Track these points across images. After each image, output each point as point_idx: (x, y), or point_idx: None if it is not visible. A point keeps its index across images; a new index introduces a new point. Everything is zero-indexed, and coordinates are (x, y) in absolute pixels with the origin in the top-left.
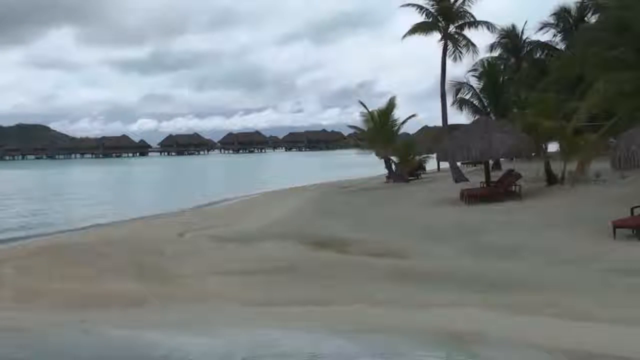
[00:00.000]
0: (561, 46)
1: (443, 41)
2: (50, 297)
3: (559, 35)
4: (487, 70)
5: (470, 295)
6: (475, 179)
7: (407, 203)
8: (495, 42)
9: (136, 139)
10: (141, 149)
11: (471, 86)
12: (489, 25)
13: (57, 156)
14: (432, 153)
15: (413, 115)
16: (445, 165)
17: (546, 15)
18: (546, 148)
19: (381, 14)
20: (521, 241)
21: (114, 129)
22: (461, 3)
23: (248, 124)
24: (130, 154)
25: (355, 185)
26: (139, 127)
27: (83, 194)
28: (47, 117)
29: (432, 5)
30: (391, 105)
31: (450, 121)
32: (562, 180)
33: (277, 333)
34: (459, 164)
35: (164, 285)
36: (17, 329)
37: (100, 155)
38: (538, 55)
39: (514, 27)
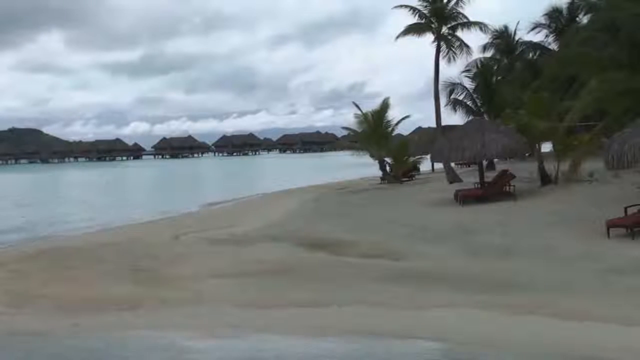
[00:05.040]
0: (553, 46)
1: (436, 42)
2: (45, 301)
3: (551, 35)
4: (481, 71)
5: (467, 296)
6: (469, 179)
7: (402, 204)
8: (488, 43)
9: (129, 142)
10: (135, 152)
11: (465, 87)
12: (481, 26)
13: (50, 160)
14: (426, 154)
15: (407, 116)
16: (439, 166)
17: (538, 16)
18: (540, 148)
19: (372, 16)
20: (516, 241)
21: (107, 132)
22: (454, 4)
23: (242, 126)
24: (125, 157)
25: (350, 187)
26: (133, 130)
27: (78, 197)
28: (39, 120)
29: (425, 6)
30: (385, 106)
31: (444, 122)
32: (556, 180)
33: (275, 335)
34: (452, 164)
35: (160, 288)
36: (10, 333)
37: (94, 159)
38: (531, 55)
39: (506, 27)
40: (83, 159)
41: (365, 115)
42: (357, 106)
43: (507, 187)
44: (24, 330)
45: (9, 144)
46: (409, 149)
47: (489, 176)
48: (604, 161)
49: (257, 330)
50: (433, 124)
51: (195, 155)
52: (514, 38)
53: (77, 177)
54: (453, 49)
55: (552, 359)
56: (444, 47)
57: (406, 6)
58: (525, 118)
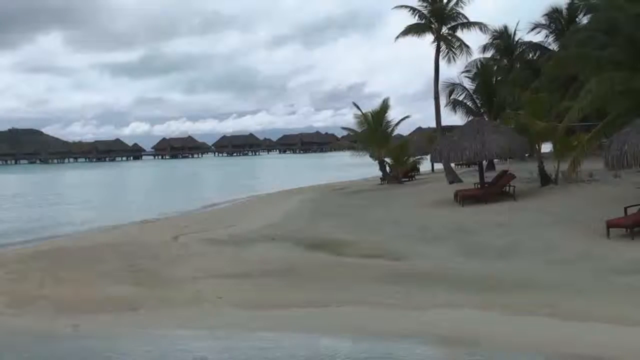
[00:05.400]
0: (553, 47)
1: (436, 43)
2: (45, 302)
3: (551, 36)
4: (481, 71)
5: (467, 296)
6: (469, 179)
7: (402, 204)
8: (487, 43)
9: (129, 143)
10: (135, 152)
11: (464, 87)
12: (481, 27)
13: (50, 160)
14: (426, 154)
15: (407, 117)
16: (439, 166)
17: (538, 16)
18: (539, 148)
19: (372, 16)
20: (516, 241)
21: (107, 132)
22: (454, 4)
23: (241, 126)
24: (124, 158)
25: (350, 187)
26: (132, 131)
27: (78, 198)
28: (39, 121)
29: (425, 6)
30: (385, 106)
31: (444, 122)
32: (556, 180)
33: (275, 335)
34: (452, 165)
35: (160, 289)
36: (10, 333)
37: (94, 159)
38: (530, 55)
39: (506, 28)
40: (83, 160)
41: (365, 115)
42: (357, 106)
43: (507, 188)
44: (24, 331)
45: (8, 144)
46: (409, 149)
47: (489, 176)
48: (603, 161)
49: (257, 330)
50: (433, 124)
51: (195, 155)
52: (513, 38)
53: (76, 177)
54: (453, 49)
55: (553, 359)
56: (443, 47)
57: (406, 6)
58: (525, 118)
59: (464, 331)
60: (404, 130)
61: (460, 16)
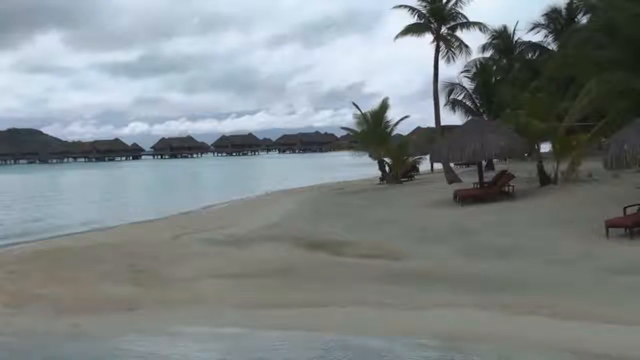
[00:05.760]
0: (553, 47)
1: (435, 42)
2: (45, 302)
3: (550, 35)
4: (480, 71)
5: (467, 296)
6: (468, 179)
7: (402, 204)
8: (487, 43)
9: (128, 143)
10: (134, 152)
11: (464, 87)
12: (480, 26)
13: (49, 160)
14: (426, 154)
15: (406, 117)
16: (438, 166)
17: (537, 16)
18: (539, 148)
19: (371, 16)
20: (516, 241)
21: (106, 132)
22: (453, 4)
23: (241, 126)
24: (124, 157)
25: (349, 187)
26: (131, 131)
27: (78, 198)
28: (38, 121)
29: (424, 6)
30: (384, 106)
31: (443, 122)
32: (555, 180)
33: (275, 335)
34: (452, 164)
35: (160, 289)
36: (9, 333)
37: (93, 159)
38: (530, 55)
39: (505, 28)
40: (82, 160)
41: (364, 115)
42: (356, 106)
43: (507, 188)
44: (24, 331)
45: (7, 144)
46: (408, 149)
47: (488, 176)
48: (603, 161)
49: (256, 330)
50: (432, 124)
51: (195, 155)
52: (512, 38)
53: (76, 177)
54: (452, 49)
55: (552, 359)
56: (443, 47)
57: (405, 6)
58: (525, 118)
59: (464, 331)
60: (403, 130)
61: (460, 16)
